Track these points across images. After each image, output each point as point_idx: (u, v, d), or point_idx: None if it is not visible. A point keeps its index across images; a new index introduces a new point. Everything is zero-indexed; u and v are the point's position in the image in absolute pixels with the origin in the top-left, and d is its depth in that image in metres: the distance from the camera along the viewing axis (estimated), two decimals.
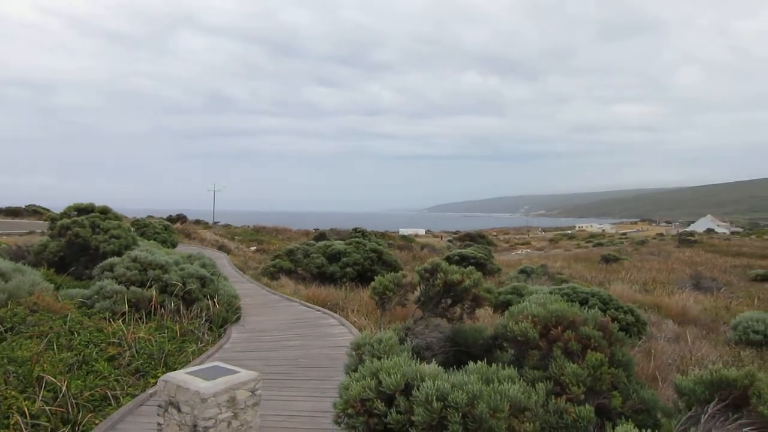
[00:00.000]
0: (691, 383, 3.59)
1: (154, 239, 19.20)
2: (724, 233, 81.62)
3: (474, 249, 24.82)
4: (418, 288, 5.09)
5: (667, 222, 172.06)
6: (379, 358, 3.93)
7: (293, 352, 7.40)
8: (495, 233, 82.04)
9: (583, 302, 9.74)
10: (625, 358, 3.90)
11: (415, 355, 4.56)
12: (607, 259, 26.94)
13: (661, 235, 73.66)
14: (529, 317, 3.91)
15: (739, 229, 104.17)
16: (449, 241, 51.94)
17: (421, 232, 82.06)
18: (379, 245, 20.01)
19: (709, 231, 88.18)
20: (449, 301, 4.94)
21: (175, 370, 5.55)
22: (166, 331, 7.41)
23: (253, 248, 27.68)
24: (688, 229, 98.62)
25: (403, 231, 72.21)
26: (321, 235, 28.61)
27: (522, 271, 19.12)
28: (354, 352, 4.59)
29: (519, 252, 44.72)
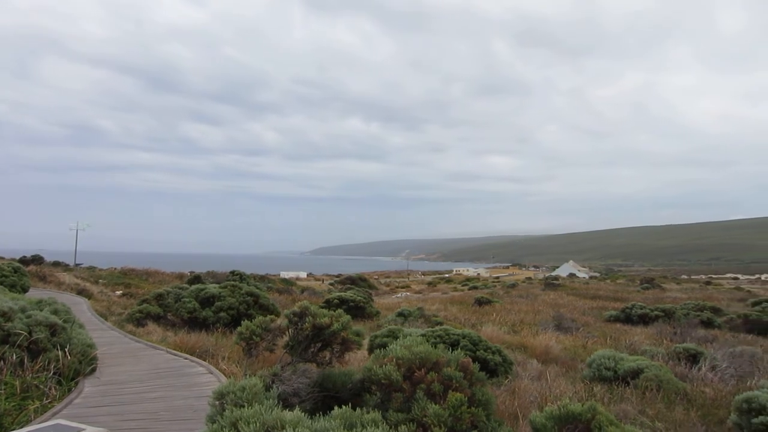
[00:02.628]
0: (543, 419, 3.79)
1: (1, 283, 17.29)
2: (584, 277, 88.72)
3: (354, 292, 24.88)
4: (288, 332, 4.98)
5: (535, 266, 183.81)
6: (242, 407, 3.77)
7: (154, 404, 6.87)
8: (376, 276, 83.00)
9: (455, 344, 10.06)
10: (484, 398, 4.04)
11: (281, 403, 4.42)
12: (480, 302, 28.09)
13: (530, 278, 78.52)
14: (394, 360, 3.95)
15: (597, 274, 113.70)
16: (331, 284, 51.72)
17: (303, 275, 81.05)
18: (258, 288, 19.45)
19: (571, 275, 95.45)
20: (318, 346, 4.88)
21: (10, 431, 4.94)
22: (4, 387, 6.59)
23: (118, 292, 25.77)
24: (553, 273, 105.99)
25: (285, 274, 70.98)
26: (196, 278, 27.31)
27: (400, 314, 19.40)
28: (216, 402, 4.36)
29: (399, 295, 45.44)
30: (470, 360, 4.08)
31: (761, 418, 5.69)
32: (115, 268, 39.47)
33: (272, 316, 5.37)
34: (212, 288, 16.37)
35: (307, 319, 4.74)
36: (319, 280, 64.74)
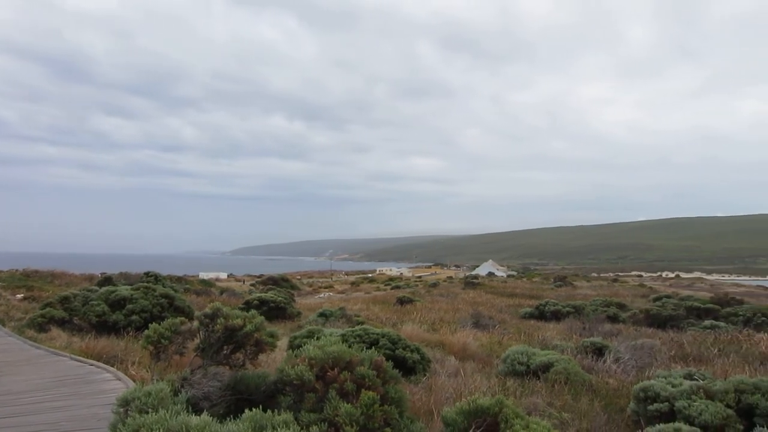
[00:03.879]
0: (454, 414, 3.88)
1: None
2: (502, 276, 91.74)
3: (275, 293, 24.51)
4: (199, 335, 4.82)
5: (456, 266, 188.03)
6: (146, 413, 3.61)
7: (55, 414, 6.46)
8: (299, 276, 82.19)
9: (374, 343, 10.12)
10: (398, 395, 4.09)
11: (190, 407, 4.28)
12: (402, 301, 28.41)
13: (451, 277, 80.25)
14: (306, 360, 3.92)
15: (514, 273, 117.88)
16: (252, 284, 50.68)
17: (223, 275, 79.00)
18: (174, 290, 18.77)
19: (490, 274, 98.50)
20: (231, 347, 4.75)
21: None
22: None
23: (19, 296, 24.08)
24: (473, 272, 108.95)
25: (204, 275, 68.90)
26: (107, 280, 25.98)
27: (321, 315, 19.28)
28: (121, 409, 4.17)
29: (322, 295, 45.22)
30: (383, 358, 4.12)
31: (656, 406, 6.08)
32: (17, 270, 36.85)
33: (182, 318, 5.18)
34: (124, 290, 15.63)
35: (218, 321, 4.61)
36: (240, 280, 63.28)
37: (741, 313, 21.43)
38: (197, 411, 3.99)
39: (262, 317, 5.00)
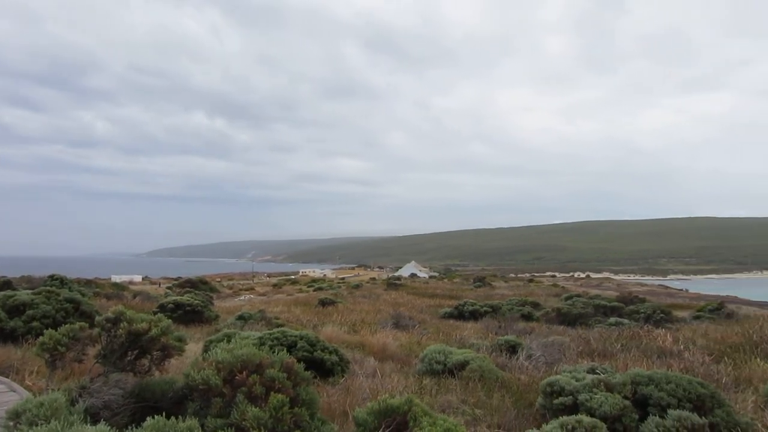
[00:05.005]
0: (365, 414, 3.90)
1: None
2: (424, 277, 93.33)
3: (192, 296, 23.72)
4: (100, 340, 4.58)
5: (380, 267, 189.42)
6: (37, 426, 3.39)
7: None
8: (219, 279, 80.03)
9: (292, 345, 10.02)
10: (309, 397, 4.05)
11: (89, 418, 4.06)
12: (324, 303, 28.27)
13: (374, 279, 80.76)
14: (214, 364, 3.82)
15: (436, 274, 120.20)
16: (168, 287, 48.82)
17: (138, 278, 75.66)
18: (81, 294, 17.77)
19: (413, 275, 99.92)
20: (136, 353, 4.54)
21: None
22: None
23: None
24: (396, 273, 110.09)
25: (116, 277, 65.80)
26: (5, 284, 24.25)
27: (240, 317, 18.85)
28: (11, 422, 3.89)
29: (242, 297, 44.23)
30: (294, 360, 4.07)
31: (561, 399, 6.37)
32: None
33: (82, 323, 4.90)
34: (24, 295, 14.63)
35: (122, 325, 4.39)
36: (155, 283, 60.83)
37: (643, 310, 22.84)
38: (96, 421, 3.79)
39: (169, 321, 4.81)
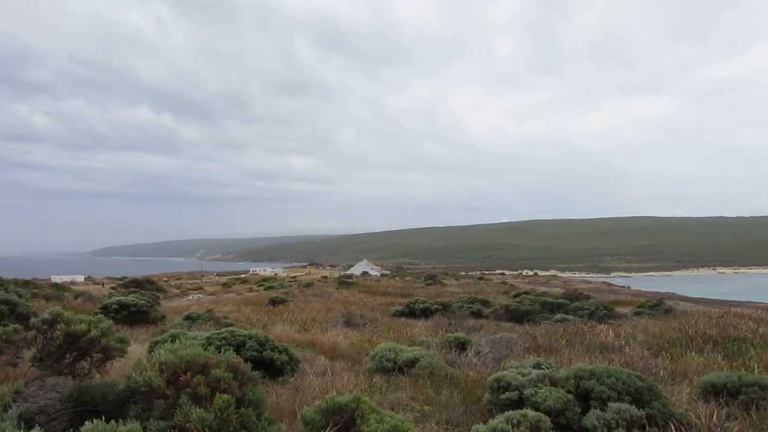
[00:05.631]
0: (313, 412, 3.88)
1: None
2: (375, 275, 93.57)
3: (137, 296, 23.04)
4: (36, 343, 4.39)
5: (332, 265, 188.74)
6: None
7: None
8: (166, 278, 78.10)
9: (241, 345, 9.86)
10: (256, 397, 4.00)
11: (23, 423, 3.89)
12: (274, 302, 27.95)
13: (326, 277, 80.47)
14: (157, 365, 3.72)
15: (388, 272, 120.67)
16: (112, 287, 47.28)
17: (80, 278, 73.02)
18: (18, 295, 16.99)
19: (365, 273, 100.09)
20: (74, 355, 4.37)
21: None
22: None
23: None
24: (348, 272, 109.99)
25: (57, 278, 63.31)
26: None
27: (188, 318, 18.42)
28: None
29: (190, 297, 43.29)
30: (241, 360, 4.01)
31: (507, 394, 6.50)
32: None
33: (17, 326, 4.68)
34: None
35: (59, 327, 4.22)
36: (99, 283, 58.82)
37: (587, 307, 23.56)
38: (31, 427, 3.64)
39: (110, 321, 4.66)
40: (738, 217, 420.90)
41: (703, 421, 6.20)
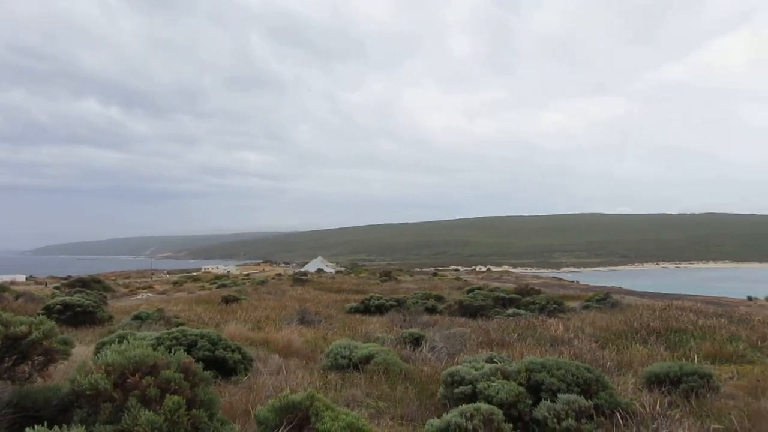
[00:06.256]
0: (266, 411, 3.83)
1: None
2: (330, 272, 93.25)
3: (83, 296, 22.28)
4: None
5: (286, 263, 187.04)
6: None
7: None
8: (114, 277, 75.80)
9: (192, 344, 9.65)
10: (208, 398, 3.92)
11: None
12: (227, 300, 27.50)
13: (280, 275, 79.63)
14: (103, 367, 3.60)
15: (343, 269, 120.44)
16: (56, 287, 45.54)
17: (21, 278, 70.01)
18: None
19: (320, 270, 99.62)
20: (14, 359, 4.19)
21: None
22: None
23: None
24: (303, 269, 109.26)
25: None
26: None
27: (137, 317, 17.91)
28: None
29: (139, 296, 42.17)
30: (192, 360, 3.92)
31: (461, 388, 6.59)
32: None
33: None
34: None
35: None
36: (41, 283, 56.55)
37: (538, 301, 24.11)
38: None
39: (53, 323, 4.47)
40: (680, 214, 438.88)
41: (647, 409, 6.44)
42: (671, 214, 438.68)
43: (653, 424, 5.85)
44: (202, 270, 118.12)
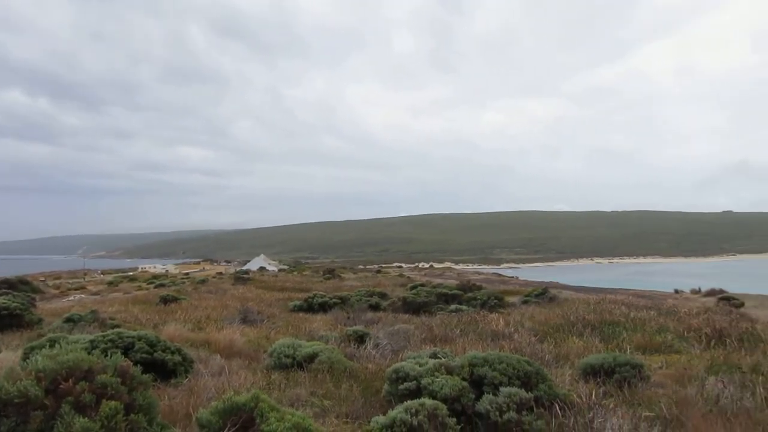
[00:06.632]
0: (209, 414, 3.74)
1: None
2: (273, 271, 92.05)
3: (8, 298, 21.11)
4: None
5: (227, 261, 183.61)
6: None
7: None
8: (44, 278, 72.35)
9: (129, 347, 9.32)
10: (146, 402, 3.79)
11: None
12: (166, 300, 26.72)
13: (221, 273, 77.99)
14: (33, 373, 3.42)
15: (286, 267, 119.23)
16: None
17: None
18: None
19: (262, 269, 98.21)
20: None
21: None
22: None
23: None
24: (244, 267, 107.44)
25: None
26: None
27: (68, 320, 17.14)
28: None
29: (71, 298, 40.40)
30: (130, 363, 3.78)
31: (405, 384, 6.64)
32: None
33: None
34: None
35: None
36: None
37: (479, 297, 24.61)
38: None
39: None
40: (612, 211, 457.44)
41: (584, 399, 6.69)
42: (605, 212, 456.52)
43: (589, 413, 6.08)
44: (139, 269, 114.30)
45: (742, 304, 26.98)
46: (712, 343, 12.55)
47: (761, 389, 7.20)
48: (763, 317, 20.61)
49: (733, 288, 39.96)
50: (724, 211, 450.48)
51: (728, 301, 27.76)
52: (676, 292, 39.78)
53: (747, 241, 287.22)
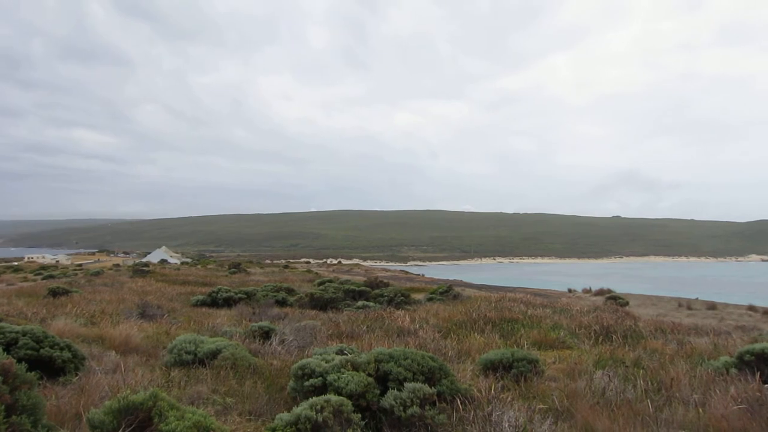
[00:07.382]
0: (102, 414, 3.54)
1: None
2: (175, 263, 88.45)
3: None
4: None
5: (125, 253, 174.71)
6: None
7: None
8: None
9: (12, 343, 8.64)
10: (31, 402, 3.53)
11: None
12: (55, 293, 24.97)
13: (118, 265, 74.02)
14: None
15: (189, 260, 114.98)
16: None
17: None
18: None
19: (163, 261, 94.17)
20: None
21: None
22: None
23: None
24: (144, 259, 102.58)
25: None
26: None
27: None
28: None
29: None
30: (13, 361, 3.49)
31: (311, 381, 6.61)
32: None
33: None
34: None
35: None
36: None
37: (386, 294, 24.91)
38: None
39: None
40: (514, 213, 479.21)
41: (483, 393, 6.98)
42: (507, 213, 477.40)
43: (488, 407, 6.34)
44: (25, 259, 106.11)
45: (627, 303, 29.16)
46: (600, 340, 13.49)
47: (641, 382, 7.85)
48: (645, 315, 22.42)
49: (619, 288, 43.17)
50: (613, 217, 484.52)
51: (615, 300, 29.84)
52: (570, 291, 42.28)
53: (632, 244, 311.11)
